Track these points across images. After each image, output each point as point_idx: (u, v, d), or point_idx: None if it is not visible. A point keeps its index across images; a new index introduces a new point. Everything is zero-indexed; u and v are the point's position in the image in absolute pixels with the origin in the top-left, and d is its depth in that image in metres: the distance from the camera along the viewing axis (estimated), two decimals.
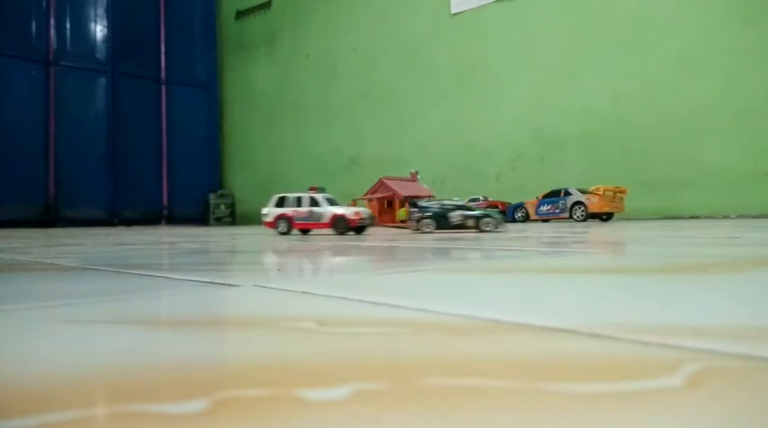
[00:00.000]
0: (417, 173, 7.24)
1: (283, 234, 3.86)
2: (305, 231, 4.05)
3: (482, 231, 3.64)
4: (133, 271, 1.29)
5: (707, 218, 6.31)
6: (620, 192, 6.44)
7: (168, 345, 0.55)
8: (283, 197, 4.01)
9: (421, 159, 8.81)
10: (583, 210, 6.45)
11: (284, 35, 11.36)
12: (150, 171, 11.58)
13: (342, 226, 3.83)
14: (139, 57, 11.45)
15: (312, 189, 4.15)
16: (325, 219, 3.88)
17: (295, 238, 3.32)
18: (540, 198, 6.97)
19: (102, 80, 10.93)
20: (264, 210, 4.05)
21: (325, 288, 0.94)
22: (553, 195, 6.90)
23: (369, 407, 0.36)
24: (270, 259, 1.73)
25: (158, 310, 0.78)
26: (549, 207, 6.82)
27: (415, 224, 3.80)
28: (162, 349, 0.53)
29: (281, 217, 3.94)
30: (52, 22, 10.45)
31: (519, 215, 7.13)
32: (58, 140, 10.33)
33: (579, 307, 0.71)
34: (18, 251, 2.27)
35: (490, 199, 7.78)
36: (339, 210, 3.92)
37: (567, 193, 6.74)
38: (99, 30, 11.00)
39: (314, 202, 3.96)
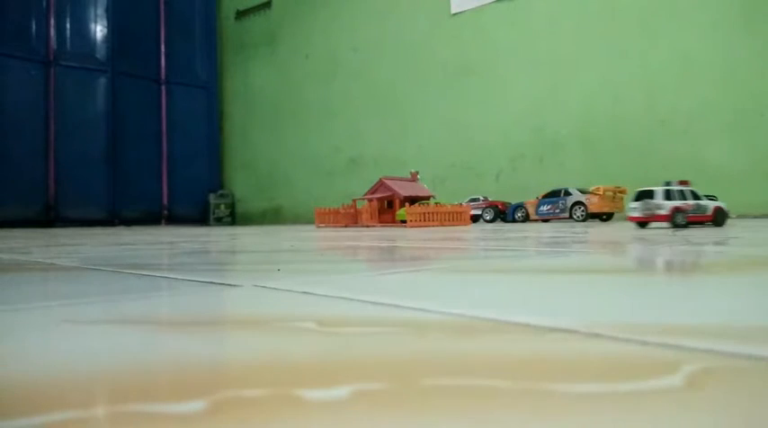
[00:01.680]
0: (417, 173, 7.25)
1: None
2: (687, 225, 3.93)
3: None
4: (133, 272, 1.29)
5: None
6: (621, 192, 6.45)
7: (168, 345, 0.55)
8: (669, 190, 3.95)
9: (421, 159, 8.82)
10: (583, 210, 6.47)
11: (284, 35, 11.37)
12: (150, 171, 11.58)
13: (724, 219, 4.02)
14: (139, 57, 11.46)
15: (682, 182, 4.15)
16: (709, 212, 3.99)
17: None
18: (540, 198, 7.01)
19: (102, 80, 10.93)
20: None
21: (326, 288, 0.94)
22: (553, 195, 6.94)
23: (369, 407, 0.36)
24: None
25: (158, 310, 0.78)
26: (548, 207, 6.85)
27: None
28: (162, 349, 0.54)
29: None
30: (52, 22, 10.45)
31: (519, 215, 7.15)
32: (58, 140, 10.34)
33: (579, 307, 0.71)
34: (18, 251, 2.27)
35: (490, 199, 7.80)
36: (720, 204, 4.10)
37: (567, 193, 6.75)
38: (99, 30, 11.01)
39: (695, 196, 4.03)
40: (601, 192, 6.38)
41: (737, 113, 6.40)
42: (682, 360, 0.46)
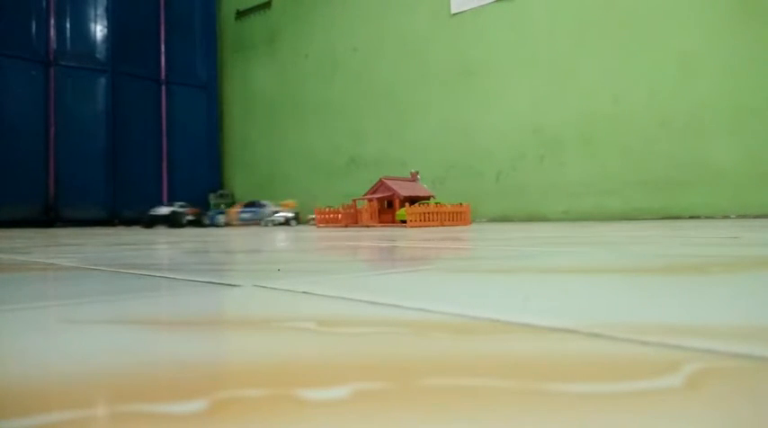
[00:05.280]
0: (417, 173, 7.25)
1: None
2: None
3: None
4: (133, 272, 1.29)
5: (707, 218, 6.31)
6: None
7: (168, 345, 0.55)
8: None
9: (421, 159, 8.81)
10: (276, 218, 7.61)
11: (284, 35, 11.36)
12: (150, 171, 11.56)
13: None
14: (139, 57, 11.44)
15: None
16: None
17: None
18: (241, 206, 8.34)
19: (102, 80, 10.91)
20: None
21: (326, 288, 0.94)
22: (251, 205, 8.36)
23: (369, 407, 0.36)
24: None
25: (158, 310, 0.78)
26: (249, 214, 8.21)
27: None
28: (162, 349, 0.53)
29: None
30: (52, 22, 10.43)
31: (221, 220, 8.25)
32: (58, 140, 10.31)
33: (579, 307, 0.71)
34: (18, 251, 2.27)
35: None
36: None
37: (261, 205, 8.03)
38: (99, 30, 10.99)
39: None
40: (291, 205, 7.52)
41: (738, 113, 6.40)
42: (682, 360, 0.46)
